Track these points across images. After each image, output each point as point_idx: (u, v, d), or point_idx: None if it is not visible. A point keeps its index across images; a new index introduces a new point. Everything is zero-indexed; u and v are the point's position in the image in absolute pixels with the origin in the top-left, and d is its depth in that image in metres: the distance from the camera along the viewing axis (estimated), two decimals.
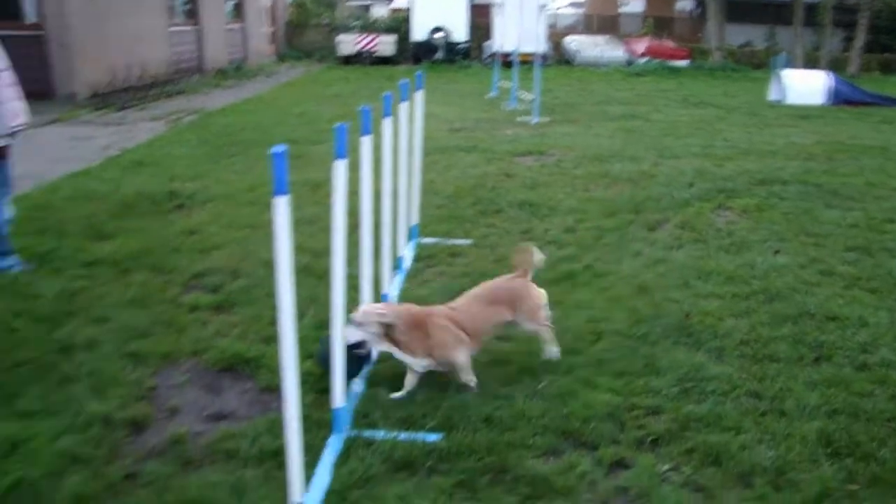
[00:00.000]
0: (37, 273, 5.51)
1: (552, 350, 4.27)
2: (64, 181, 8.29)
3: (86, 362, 4.18)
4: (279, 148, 2.53)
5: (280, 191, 2.57)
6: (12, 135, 5.37)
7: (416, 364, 3.90)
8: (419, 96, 5.80)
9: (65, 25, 13.81)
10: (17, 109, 5.38)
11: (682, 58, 26.63)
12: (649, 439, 3.59)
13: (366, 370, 4.08)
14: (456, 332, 3.94)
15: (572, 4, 36.56)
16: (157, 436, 3.61)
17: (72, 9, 13.85)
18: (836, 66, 25.96)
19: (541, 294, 4.33)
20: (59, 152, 10.05)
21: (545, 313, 4.30)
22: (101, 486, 3.20)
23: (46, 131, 11.62)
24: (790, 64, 22.88)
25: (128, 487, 3.22)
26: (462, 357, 3.93)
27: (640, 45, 27.65)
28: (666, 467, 3.39)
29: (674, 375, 4.14)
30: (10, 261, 5.56)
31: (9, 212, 5.55)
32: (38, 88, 12.51)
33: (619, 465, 3.43)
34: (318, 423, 3.57)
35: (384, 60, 26.28)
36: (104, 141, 11.03)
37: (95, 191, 7.83)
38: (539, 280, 5.42)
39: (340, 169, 3.23)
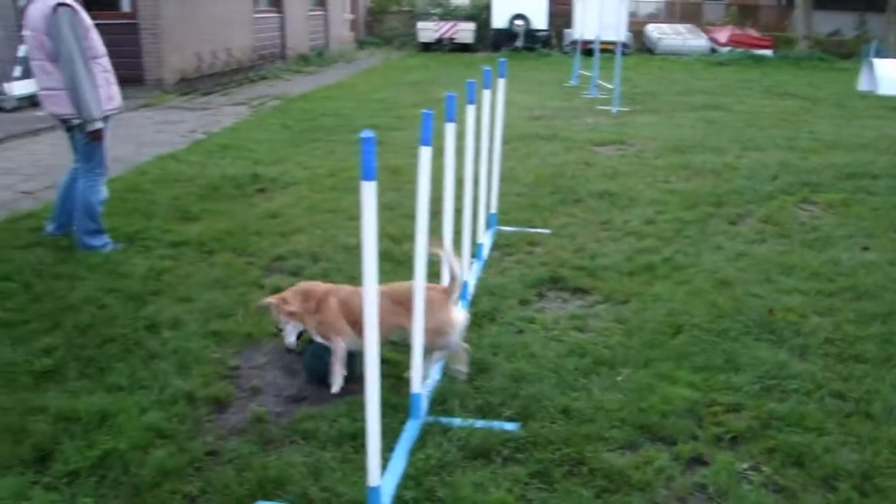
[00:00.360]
0: (126, 252, 5.69)
1: (460, 370, 3.99)
2: (152, 164, 8.53)
3: (171, 340, 4.31)
4: (368, 133, 2.56)
5: (368, 176, 2.59)
6: (105, 118, 5.55)
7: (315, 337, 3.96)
8: (501, 84, 5.79)
9: (156, 14, 14.17)
10: (110, 94, 5.64)
11: (767, 47, 25.94)
12: (729, 437, 3.53)
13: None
14: (340, 318, 3.88)
15: None
16: (239, 414, 3.70)
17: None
18: None
19: (456, 318, 3.89)
20: (148, 136, 10.35)
21: (457, 338, 3.94)
22: (184, 461, 3.29)
23: (136, 116, 11.97)
24: (882, 53, 22.09)
25: (210, 464, 3.31)
26: (338, 345, 3.87)
27: (723, 34, 27.03)
28: (745, 466, 3.34)
29: (755, 372, 4.06)
30: (103, 240, 5.75)
31: (103, 193, 5.75)
32: (130, 74, 12.87)
33: (697, 461, 3.38)
34: (395, 408, 3.60)
35: (463, 48, 26.27)
36: (190, 125, 11.31)
37: (182, 173, 8.04)
38: (618, 272, 5.42)
39: (426, 156, 3.23)
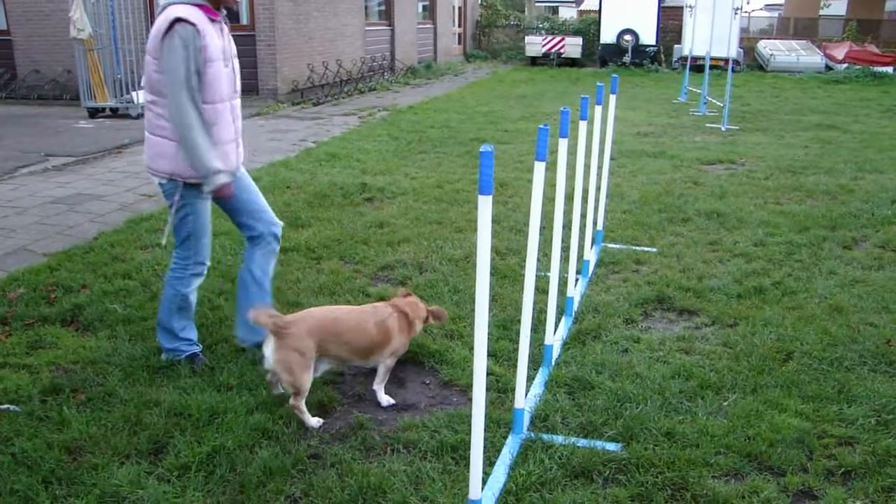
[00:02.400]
0: (238, 256, 5.86)
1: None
2: (264, 171, 8.79)
3: None
4: (487, 147, 2.58)
5: (485, 190, 2.61)
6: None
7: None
8: (612, 100, 5.76)
9: (272, 26, 14.66)
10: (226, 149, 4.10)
11: (888, 64, 24.95)
12: (840, 471, 3.40)
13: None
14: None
15: (767, 7, 35.03)
16: (342, 420, 3.77)
17: (279, 10, 14.66)
18: None
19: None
20: (261, 144, 10.67)
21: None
22: (288, 463, 3.38)
23: (250, 124, 12.35)
24: None
25: (313, 466, 3.39)
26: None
27: (840, 50, 26.14)
28: (859, 503, 3.22)
29: (870, 405, 3.91)
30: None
31: None
32: (246, 84, 13.35)
33: (806, 494, 3.27)
34: (496, 422, 3.63)
35: (571, 62, 26.18)
36: (301, 134, 11.61)
37: (293, 180, 8.26)
38: (726, 294, 5.30)
39: (540, 171, 3.24)
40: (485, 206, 2.62)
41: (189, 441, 3.48)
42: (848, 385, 4.10)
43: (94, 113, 13.02)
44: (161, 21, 3.73)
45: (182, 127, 3.77)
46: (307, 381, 3.68)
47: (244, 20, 15.00)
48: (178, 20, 3.68)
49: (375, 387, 3.97)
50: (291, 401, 3.68)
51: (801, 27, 31.56)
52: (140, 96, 12.86)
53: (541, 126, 3.22)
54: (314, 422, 3.70)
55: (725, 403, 3.90)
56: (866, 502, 3.22)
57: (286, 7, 14.96)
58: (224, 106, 3.95)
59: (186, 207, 4.05)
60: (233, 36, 4.11)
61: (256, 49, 14.82)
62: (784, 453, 3.49)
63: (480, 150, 2.57)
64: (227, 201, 4.16)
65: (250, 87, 14.38)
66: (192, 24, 3.69)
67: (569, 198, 4.58)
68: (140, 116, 12.57)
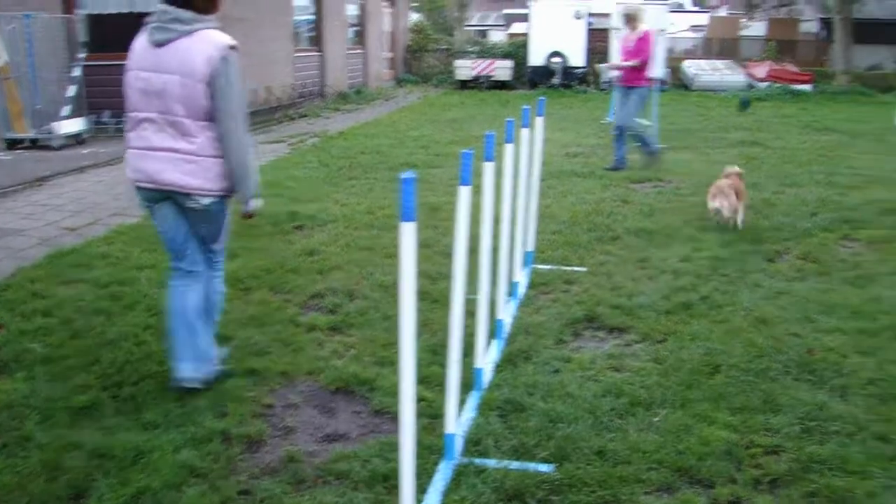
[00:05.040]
0: (163, 289, 5.74)
1: None
2: None
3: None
4: (408, 174, 2.58)
5: (408, 216, 2.61)
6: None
7: None
8: (540, 122, 5.82)
9: None
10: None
11: (806, 82, 25.77)
12: (768, 480, 3.47)
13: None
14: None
15: (691, 28, 35.89)
16: (272, 454, 3.70)
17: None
18: None
19: None
20: None
21: None
22: (217, 501, 3.30)
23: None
24: None
25: (243, 503, 3.32)
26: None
27: (762, 70, 26.93)
28: None
29: (795, 414, 3.99)
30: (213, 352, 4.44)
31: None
32: None
33: None
34: (429, 449, 3.60)
35: (501, 85, 26.43)
36: None
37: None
38: (655, 310, 5.38)
39: (465, 196, 3.25)
40: (407, 234, 2.62)
41: (112, 483, 3.37)
42: (773, 395, 4.19)
43: (12, 144, 12.68)
44: (211, 47, 3.84)
45: (245, 151, 4.02)
46: None
47: None
48: (233, 47, 3.90)
49: None
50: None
51: (724, 47, 32.40)
52: (62, 127, 12.60)
53: (464, 151, 3.24)
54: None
55: (656, 419, 3.94)
56: None
57: None
58: None
59: (228, 213, 4.30)
60: None
61: None
62: (713, 466, 3.54)
63: (402, 176, 2.57)
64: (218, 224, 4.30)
65: None
66: (238, 49, 3.93)
67: (498, 220, 4.60)
68: (62, 147, 12.32)
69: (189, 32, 3.86)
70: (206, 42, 3.85)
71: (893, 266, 6.47)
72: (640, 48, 10.69)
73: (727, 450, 3.67)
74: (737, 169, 8.07)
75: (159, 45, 3.88)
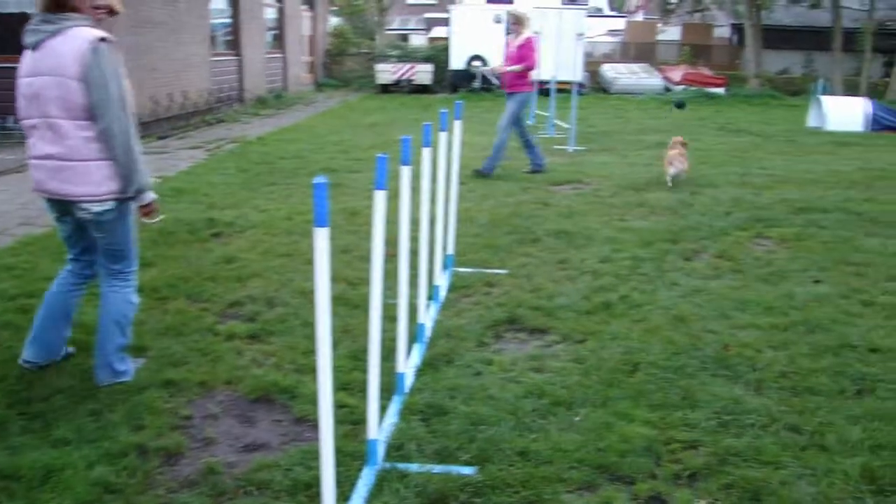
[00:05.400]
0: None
1: None
2: None
3: (122, 390, 4.21)
4: (320, 179, 2.55)
5: (320, 222, 2.58)
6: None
7: None
8: (458, 126, 5.83)
9: None
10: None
11: (719, 85, 26.52)
12: (686, 474, 3.52)
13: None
14: None
15: (609, 32, 36.57)
16: (191, 466, 3.61)
17: (118, 42, 14.14)
18: (876, 92, 25.78)
19: None
20: None
21: None
22: None
23: None
24: (829, 90, 22.70)
25: None
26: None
27: (677, 73, 27.59)
28: (703, 503, 3.34)
29: (711, 408, 4.08)
30: (127, 364, 4.44)
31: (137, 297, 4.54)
32: None
33: (656, 499, 3.37)
34: (351, 455, 3.56)
35: (422, 89, 26.48)
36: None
37: (134, 219, 7.92)
38: (575, 311, 5.43)
39: (380, 200, 3.23)
40: (321, 239, 2.59)
41: None
42: (691, 391, 4.27)
43: None
44: (79, 42, 3.73)
45: (127, 142, 3.85)
46: None
47: None
48: (102, 39, 3.76)
49: None
50: None
51: (641, 51, 33.10)
52: None
53: (379, 155, 3.22)
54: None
55: (577, 418, 3.98)
56: (711, 501, 3.34)
57: (127, 39, 14.46)
58: None
59: (130, 220, 4.16)
60: None
61: None
62: (634, 462, 3.59)
63: (314, 182, 2.53)
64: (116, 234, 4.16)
65: None
66: (112, 42, 3.81)
67: (416, 224, 4.59)
68: None
69: (57, 32, 3.77)
70: (75, 38, 3.75)
71: (804, 263, 6.67)
72: (524, 54, 10.56)
73: (647, 446, 3.72)
74: (681, 139, 10.41)
75: (34, 47, 3.81)
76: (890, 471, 3.51)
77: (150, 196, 4.08)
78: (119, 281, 4.28)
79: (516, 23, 10.80)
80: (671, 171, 10.03)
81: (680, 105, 15.52)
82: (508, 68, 10.65)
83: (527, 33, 10.77)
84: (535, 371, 4.54)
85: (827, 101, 18.01)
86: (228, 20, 20.42)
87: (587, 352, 4.78)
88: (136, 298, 4.39)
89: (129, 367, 4.38)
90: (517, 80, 10.69)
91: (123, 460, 3.57)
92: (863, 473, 3.49)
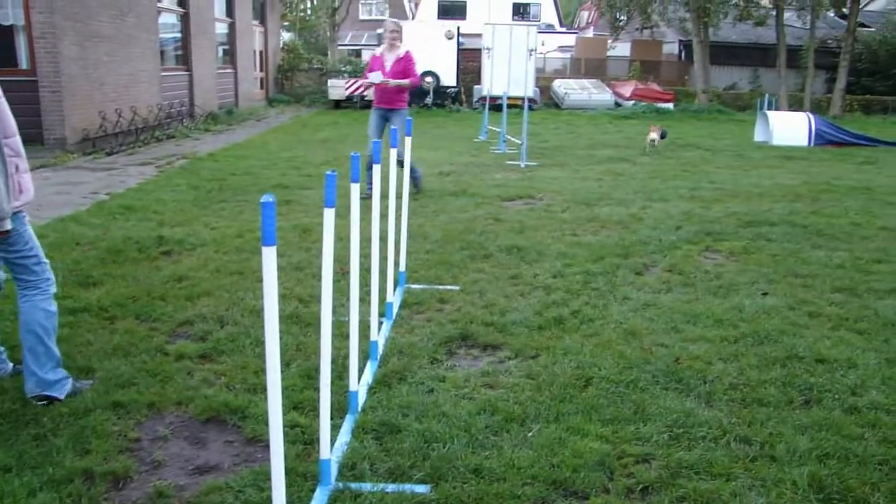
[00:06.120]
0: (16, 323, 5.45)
1: None
2: (50, 227, 8.26)
3: (67, 414, 4.12)
4: (268, 198, 2.53)
5: (268, 241, 2.56)
6: (16, 215, 4.14)
7: None
8: (408, 142, 5.83)
9: (56, 71, 13.85)
10: (22, 184, 4.23)
11: (668, 101, 26.94)
12: (639, 487, 3.54)
13: None
14: None
15: (560, 48, 36.96)
16: (139, 490, 3.53)
17: (64, 55, 13.92)
18: (819, 107, 26.43)
19: None
20: (48, 198, 10.03)
21: None
22: None
23: (35, 177, 11.59)
24: (775, 105, 23.19)
25: None
26: None
27: (627, 89, 27.96)
28: None
29: (663, 422, 4.11)
30: (60, 373, 4.38)
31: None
32: (29, 133, 12.51)
33: None
34: (304, 476, 3.52)
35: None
36: (93, 186, 11.03)
37: (82, 236, 7.80)
38: (528, 326, 5.45)
39: (329, 217, 3.21)
40: (269, 258, 2.56)
41: None
42: (643, 405, 4.30)
43: None
44: None
45: None
46: None
47: (23, 64, 14.04)
48: None
49: None
50: None
51: (592, 67, 33.50)
52: None
53: (328, 172, 3.20)
54: None
55: (530, 434, 3.98)
56: None
57: (72, 51, 14.22)
58: (15, 141, 4.12)
59: (27, 231, 4.24)
60: (11, 81, 3.94)
61: (39, 96, 13.91)
62: (587, 477, 3.60)
63: (261, 200, 2.51)
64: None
65: (34, 138, 13.46)
66: None
67: (369, 241, 4.57)
68: None
69: None
70: None
71: (752, 276, 6.78)
72: (409, 69, 9.94)
73: (600, 460, 3.73)
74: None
75: None
76: (837, 479, 3.57)
77: (6, 225, 3.94)
78: (31, 290, 4.29)
79: (395, 34, 10.09)
80: (652, 135, 13.81)
81: (663, 136, 16.12)
82: (394, 81, 9.83)
83: (405, 47, 10.15)
84: (488, 387, 4.54)
85: (773, 116, 18.38)
86: (178, 35, 20.23)
87: (540, 367, 4.80)
88: (52, 307, 4.36)
89: (63, 380, 4.31)
90: (398, 95, 10.00)
91: (68, 486, 3.48)
92: (811, 483, 3.55)
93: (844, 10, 28.44)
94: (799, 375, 4.71)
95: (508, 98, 16.30)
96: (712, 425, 4.08)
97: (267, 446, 3.84)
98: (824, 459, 3.76)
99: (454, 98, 26.28)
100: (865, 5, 28.73)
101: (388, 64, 9.91)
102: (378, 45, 11.18)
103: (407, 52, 10.03)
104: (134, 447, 3.89)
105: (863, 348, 5.17)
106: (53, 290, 4.40)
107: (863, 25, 29.97)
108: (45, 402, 4.22)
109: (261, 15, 28.18)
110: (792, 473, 3.62)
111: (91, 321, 5.50)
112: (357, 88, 26.58)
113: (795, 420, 4.15)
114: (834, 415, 4.22)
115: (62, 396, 4.27)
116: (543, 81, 29.69)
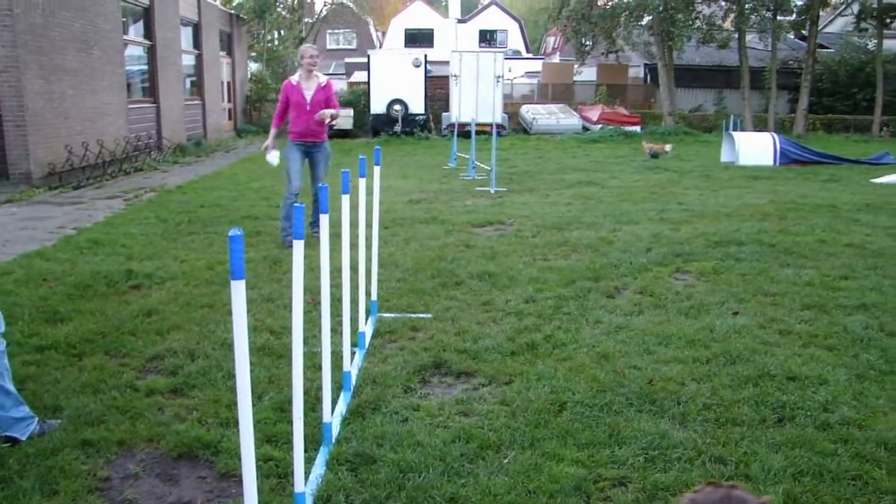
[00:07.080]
0: None
1: None
2: (16, 263, 8.15)
3: (34, 454, 4.04)
4: (235, 231, 2.51)
5: (237, 275, 2.54)
6: None
7: None
8: (377, 171, 5.83)
9: (21, 105, 13.74)
10: None
11: (635, 124, 27.21)
12: None
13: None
14: None
15: (527, 74, 37.27)
16: None
17: (28, 88, 13.81)
18: (783, 127, 26.85)
19: None
20: (12, 233, 9.92)
21: None
22: None
23: None
24: (740, 126, 23.52)
25: None
26: None
27: (594, 113, 28.22)
28: None
29: (638, 444, 4.11)
30: (24, 410, 4.35)
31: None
32: None
33: None
34: None
35: (342, 134, 26.46)
36: (60, 220, 10.92)
37: (49, 272, 7.71)
38: (501, 353, 5.44)
39: (299, 249, 3.21)
40: (237, 292, 2.54)
41: None
42: (618, 428, 4.30)
43: None
44: None
45: None
46: None
47: None
48: None
49: None
50: None
51: (559, 92, 33.78)
52: None
53: (296, 204, 3.19)
54: None
55: (506, 461, 3.96)
56: None
57: (36, 84, 14.10)
58: None
59: None
60: None
61: (3, 130, 13.78)
62: (564, 502, 3.59)
63: (229, 234, 2.49)
64: None
65: None
66: None
67: (339, 270, 4.55)
68: None
69: None
70: None
71: (722, 296, 6.82)
72: (332, 98, 9.11)
73: (576, 485, 3.72)
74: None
75: None
76: (812, 497, 3.59)
77: None
78: None
79: (313, 59, 9.08)
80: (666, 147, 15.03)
81: (654, 156, 16.40)
82: (330, 112, 9.01)
83: (322, 76, 9.33)
84: (462, 415, 4.52)
85: (738, 136, 18.63)
86: (145, 67, 20.17)
87: (514, 393, 4.79)
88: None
89: (28, 419, 4.25)
90: (321, 127, 9.18)
91: None
92: (786, 501, 3.56)
93: (804, 31, 28.96)
94: (771, 394, 4.74)
95: (477, 125, 16.38)
96: (687, 446, 4.09)
97: (241, 481, 3.80)
98: (799, 477, 3.77)
99: (423, 126, 26.37)
100: (824, 27, 29.35)
101: (309, 94, 8.99)
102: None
103: (328, 81, 9.29)
104: (104, 486, 3.82)
105: (833, 364, 5.21)
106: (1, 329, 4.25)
107: (822, 47, 30.57)
108: (8, 444, 4.13)
109: (228, 46, 28.18)
110: (767, 492, 3.62)
111: (59, 358, 5.41)
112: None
113: (769, 438, 4.17)
114: (807, 432, 4.24)
115: (24, 437, 4.18)
116: (511, 107, 29.90)
